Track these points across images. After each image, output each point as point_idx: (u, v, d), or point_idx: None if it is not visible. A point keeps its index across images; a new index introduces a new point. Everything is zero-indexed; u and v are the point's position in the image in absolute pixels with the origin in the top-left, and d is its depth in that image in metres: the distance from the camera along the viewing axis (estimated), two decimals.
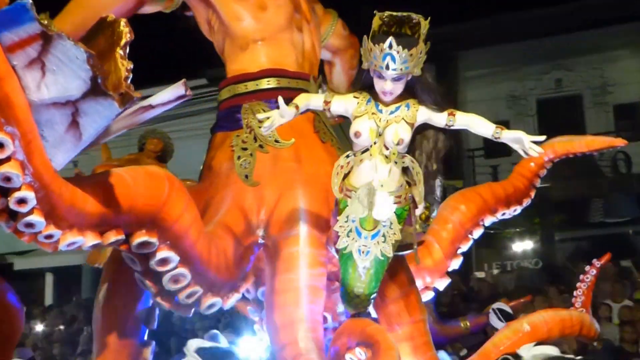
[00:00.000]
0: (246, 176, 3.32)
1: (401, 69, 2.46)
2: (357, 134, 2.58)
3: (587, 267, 4.04)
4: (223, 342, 4.33)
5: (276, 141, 3.41)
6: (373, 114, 2.57)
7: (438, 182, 4.79)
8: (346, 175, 2.60)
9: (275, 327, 3.14)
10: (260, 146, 3.37)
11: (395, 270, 3.24)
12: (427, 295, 3.76)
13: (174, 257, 2.62)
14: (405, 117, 2.55)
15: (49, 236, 2.10)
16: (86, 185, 2.26)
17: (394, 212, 2.56)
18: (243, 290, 3.26)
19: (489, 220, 3.85)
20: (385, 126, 2.54)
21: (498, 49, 14.46)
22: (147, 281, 2.71)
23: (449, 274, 3.81)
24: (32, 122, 1.91)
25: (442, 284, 3.78)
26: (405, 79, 2.53)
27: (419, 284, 3.67)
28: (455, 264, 3.79)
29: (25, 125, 1.87)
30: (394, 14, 2.51)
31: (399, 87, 2.54)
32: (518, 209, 3.96)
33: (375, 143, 2.53)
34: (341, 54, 4.55)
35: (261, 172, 3.34)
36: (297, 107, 2.61)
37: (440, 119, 2.57)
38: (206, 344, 2.60)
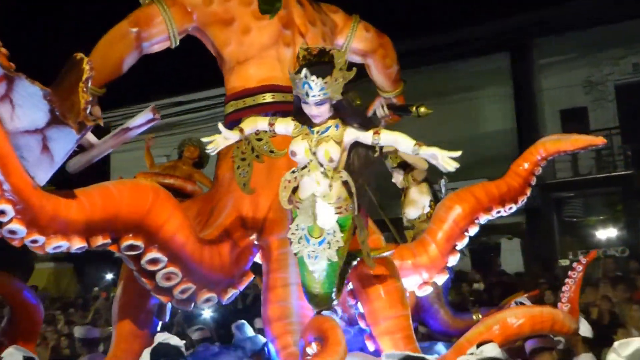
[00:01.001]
0: (244, 184, 3.58)
1: (319, 95, 2.64)
2: (292, 153, 2.78)
3: (574, 264, 4.01)
4: (249, 331, 4.63)
5: (271, 152, 3.66)
6: (306, 134, 2.76)
7: (443, 182, 4.84)
8: (296, 189, 2.79)
9: (268, 320, 3.38)
10: (257, 156, 3.62)
11: (379, 270, 3.39)
12: (426, 290, 3.87)
13: (163, 258, 2.92)
14: (333, 137, 2.70)
15: (34, 241, 2.45)
16: (73, 196, 2.59)
17: (337, 222, 2.73)
18: (242, 286, 3.50)
19: (484, 218, 3.89)
20: (317, 145, 2.72)
21: (572, 35, 13.86)
22: (143, 278, 3.02)
23: (448, 269, 3.89)
24: (7, 147, 2.24)
25: (441, 279, 3.87)
26: (327, 103, 2.68)
27: (416, 279, 3.80)
28: (453, 260, 3.86)
29: (0, 151, 2.21)
30: (311, 47, 2.70)
31: (324, 111, 2.71)
32: (514, 207, 3.98)
33: (311, 161, 2.72)
34: (370, 55, 4.68)
35: (257, 180, 3.59)
36: (241, 130, 2.83)
37: (366, 137, 2.71)
38: (171, 339, 2.83)
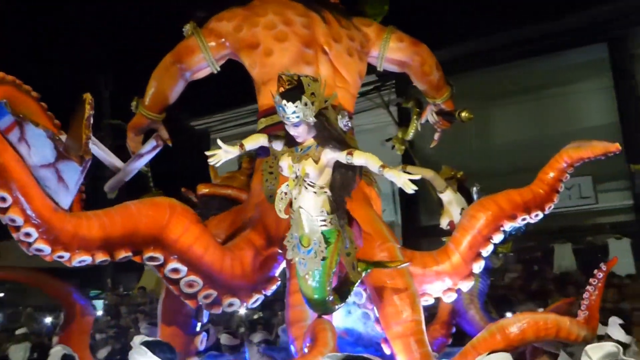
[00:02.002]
0: (270, 196, 3.86)
1: (292, 118, 2.86)
2: (280, 168, 3.05)
3: (595, 271, 3.95)
4: None
5: None
6: (292, 152, 3.00)
7: (475, 188, 4.86)
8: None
9: (288, 323, 3.65)
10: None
11: (392, 277, 3.57)
12: (451, 296, 3.98)
13: (182, 268, 3.27)
14: (312, 156, 2.91)
15: (60, 257, 2.87)
16: (95, 216, 3.00)
17: (322, 233, 2.93)
18: (268, 291, 3.79)
19: (508, 226, 3.94)
20: (298, 162, 2.95)
21: None
22: (170, 285, 3.39)
23: (474, 275, 3.98)
24: (28, 179, 2.67)
25: (466, 285, 3.97)
26: (303, 124, 2.89)
27: (439, 286, 3.93)
28: (477, 267, 3.95)
29: (21, 181, 2.65)
30: (285, 74, 2.90)
31: (302, 131, 2.92)
32: (540, 214, 3.99)
33: (296, 176, 2.95)
34: (407, 65, 4.87)
35: None
36: (242, 145, 3.12)
37: (341, 157, 2.89)
38: (148, 338, 3.12)
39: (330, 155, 2.90)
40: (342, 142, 2.91)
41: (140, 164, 3.29)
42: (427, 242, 13.56)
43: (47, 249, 2.78)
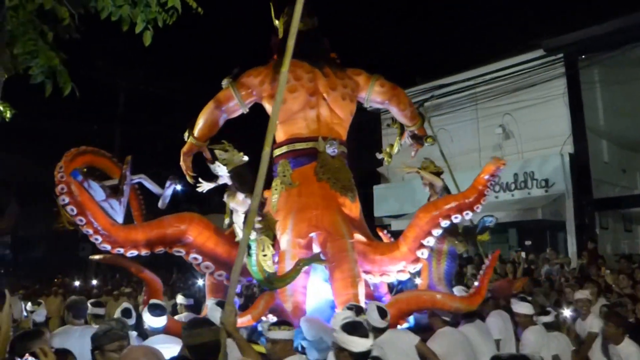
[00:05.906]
0: (274, 207, 6.18)
1: (222, 174, 5.07)
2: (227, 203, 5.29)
3: (485, 259, 5.60)
4: None
5: (290, 184, 6.20)
6: (231, 192, 5.21)
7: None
8: None
9: None
10: (283, 188, 6.19)
11: (341, 264, 5.72)
12: (404, 276, 6.01)
13: (199, 257, 5.70)
14: (233, 195, 5.08)
15: (118, 251, 5.45)
16: (140, 226, 5.56)
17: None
18: None
19: (445, 223, 5.78)
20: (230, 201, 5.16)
21: None
22: (196, 267, 5.85)
23: (421, 260, 5.94)
24: (95, 208, 5.30)
25: (414, 267, 5.96)
26: (225, 177, 5.06)
27: (393, 268, 5.98)
28: (422, 253, 5.87)
29: (92, 209, 5.28)
30: (215, 147, 5.13)
31: (227, 180, 5.11)
32: (470, 213, 5.80)
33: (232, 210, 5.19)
34: (388, 103, 7.15)
35: (281, 203, 6.17)
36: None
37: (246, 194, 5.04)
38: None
39: (241, 195, 5.09)
40: (243, 181, 5.07)
41: (169, 193, 5.84)
42: (599, 215, 14.18)
43: (108, 247, 5.37)
